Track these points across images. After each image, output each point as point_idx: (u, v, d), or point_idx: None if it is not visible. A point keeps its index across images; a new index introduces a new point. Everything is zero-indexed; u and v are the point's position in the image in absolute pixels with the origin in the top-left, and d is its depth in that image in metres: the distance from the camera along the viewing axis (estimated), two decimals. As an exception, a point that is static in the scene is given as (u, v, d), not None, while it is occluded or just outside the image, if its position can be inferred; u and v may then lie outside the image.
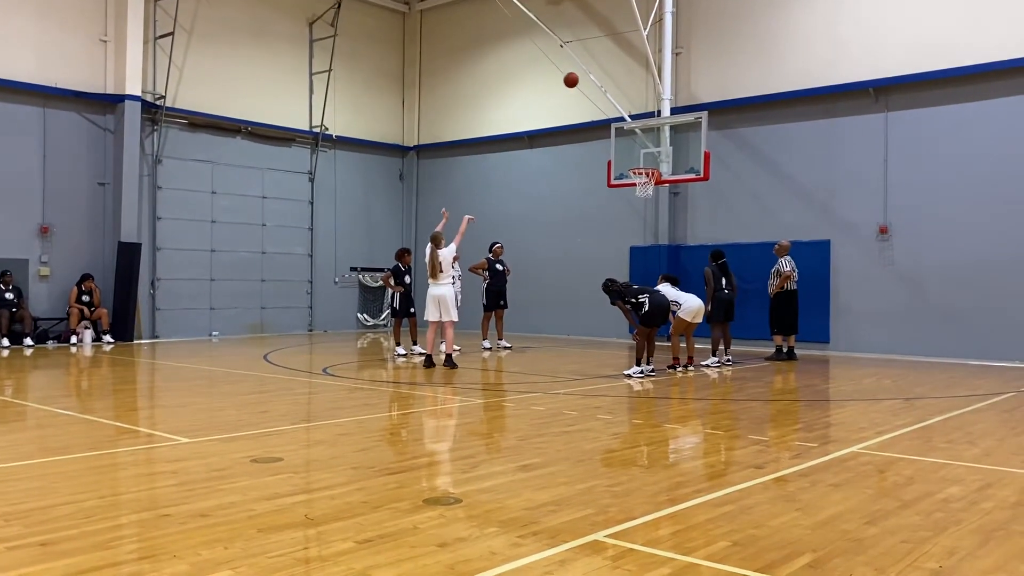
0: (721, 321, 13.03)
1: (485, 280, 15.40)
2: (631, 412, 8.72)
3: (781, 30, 16.20)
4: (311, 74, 20.62)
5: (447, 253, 12.13)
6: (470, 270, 15.46)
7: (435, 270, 12.03)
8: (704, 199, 17.28)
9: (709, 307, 12.74)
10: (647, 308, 11.25)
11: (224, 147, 19.04)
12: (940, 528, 4.35)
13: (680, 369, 12.11)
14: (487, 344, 15.46)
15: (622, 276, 18.14)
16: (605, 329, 18.21)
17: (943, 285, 14.38)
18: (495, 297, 15.37)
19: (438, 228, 12.68)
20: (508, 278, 15.63)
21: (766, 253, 16.04)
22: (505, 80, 20.67)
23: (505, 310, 15.63)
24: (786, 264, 13.77)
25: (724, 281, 13.09)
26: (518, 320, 18.13)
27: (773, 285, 13.82)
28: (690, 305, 12.06)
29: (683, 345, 12.44)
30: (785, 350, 13.93)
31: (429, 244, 12.30)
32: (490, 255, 15.50)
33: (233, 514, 4.46)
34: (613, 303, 11.64)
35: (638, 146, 15.94)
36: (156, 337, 17.75)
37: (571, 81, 13.93)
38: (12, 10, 15.98)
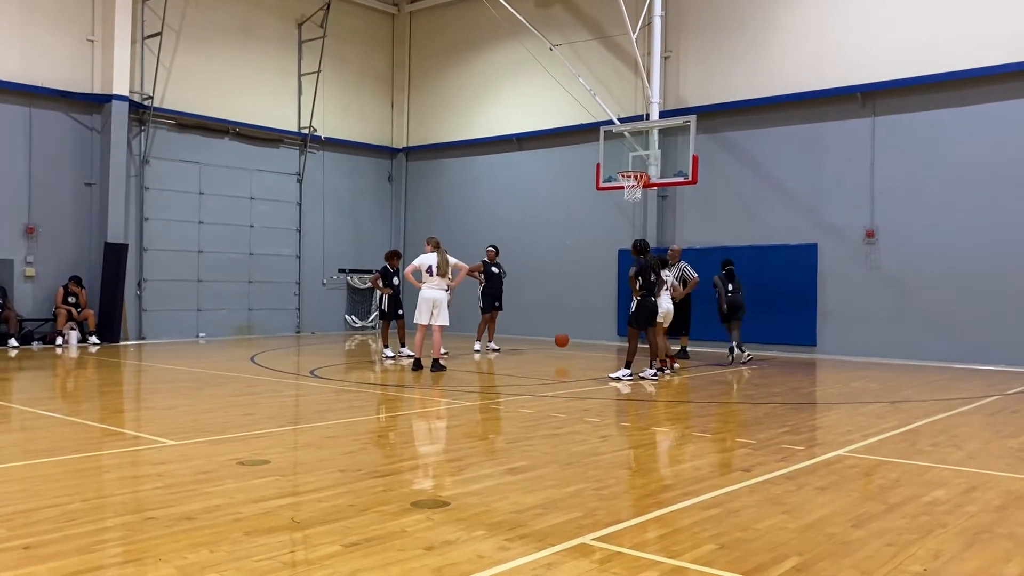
0: (735, 319, 13.70)
1: (481, 283, 15.53)
2: (619, 415, 8.74)
3: (769, 35, 16.28)
4: (300, 75, 20.58)
5: (452, 259, 12.16)
6: (466, 273, 15.47)
7: (444, 270, 11.99)
8: (692, 202, 17.34)
9: (725, 309, 13.63)
10: (633, 308, 11.32)
11: (212, 148, 18.96)
12: (925, 531, 4.37)
13: (668, 372, 12.13)
14: (478, 347, 15.50)
15: (610, 279, 18.23)
16: (594, 332, 18.25)
17: (929, 289, 14.48)
18: (491, 300, 15.49)
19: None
20: (504, 280, 15.84)
21: (753, 256, 16.17)
22: (494, 83, 20.68)
23: (499, 312, 15.73)
24: (692, 270, 14.20)
25: (730, 285, 13.71)
26: (507, 322, 18.12)
27: (681, 290, 13.87)
28: (661, 306, 12.14)
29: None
30: (684, 348, 14.79)
31: (428, 248, 12.26)
32: (484, 258, 15.63)
33: (219, 517, 4.44)
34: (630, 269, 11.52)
35: (627, 149, 15.98)
36: (143, 338, 17.65)
37: (561, 342, 15.33)
38: (-2, 9, 15.90)
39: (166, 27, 17.73)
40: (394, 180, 22.79)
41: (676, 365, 12.54)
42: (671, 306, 12.49)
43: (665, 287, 12.39)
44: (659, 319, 12.01)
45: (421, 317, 12.08)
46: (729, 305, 13.62)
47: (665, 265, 12.58)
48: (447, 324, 12.18)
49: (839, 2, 15.45)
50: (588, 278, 18.66)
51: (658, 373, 11.70)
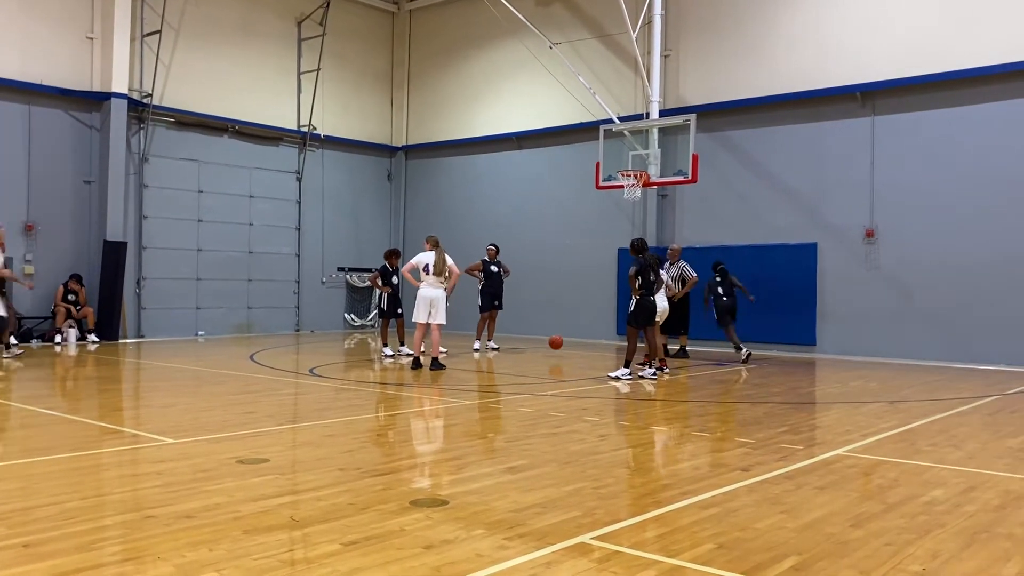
0: (728, 323, 13.96)
1: (480, 282, 15.56)
2: (618, 414, 8.74)
3: (769, 34, 16.28)
4: (299, 73, 20.56)
5: (449, 260, 12.13)
6: (466, 271, 15.44)
7: (440, 269, 11.96)
8: (692, 201, 17.34)
9: (715, 314, 14.13)
10: (632, 307, 11.33)
11: (211, 146, 18.96)
12: (924, 531, 4.37)
13: (664, 371, 12.08)
14: (477, 345, 15.50)
15: (610, 278, 18.23)
16: (593, 331, 18.25)
17: (929, 288, 14.48)
18: (490, 298, 15.52)
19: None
20: (506, 279, 15.88)
21: (753, 255, 16.18)
22: (494, 81, 20.67)
23: (499, 311, 15.76)
24: (691, 270, 14.37)
25: (720, 289, 13.92)
26: (506, 321, 18.13)
27: (679, 289, 14.19)
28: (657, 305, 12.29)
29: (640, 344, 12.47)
30: (684, 347, 14.87)
31: (427, 247, 12.23)
32: (485, 257, 15.65)
33: (218, 515, 4.44)
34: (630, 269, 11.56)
35: (626, 148, 15.98)
36: (141, 336, 17.65)
37: (556, 343, 15.30)
38: (-2, 6, 15.89)
39: (165, 25, 17.72)
40: (393, 179, 22.78)
41: (666, 369, 12.38)
42: (666, 304, 12.56)
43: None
44: (660, 316, 12.08)
45: (419, 316, 12.07)
46: (721, 309, 13.93)
47: (661, 264, 12.71)
48: (444, 323, 12.16)
49: (839, 1, 15.45)
50: (587, 277, 18.66)
51: (657, 372, 11.69)
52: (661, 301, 12.28)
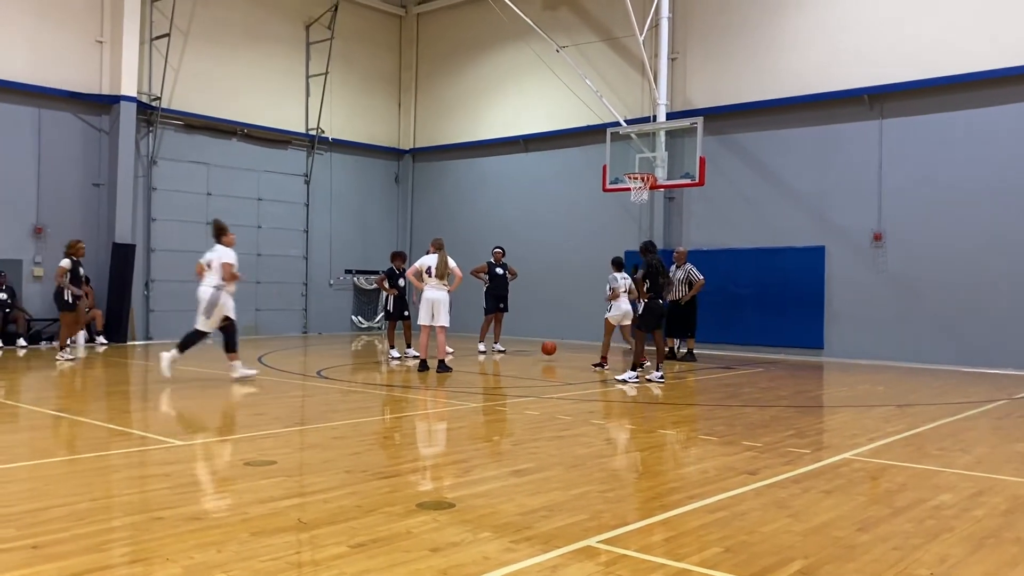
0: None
1: (485, 284, 15.58)
2: (624, 417, 8.73)
3: (777, 37, 16.26)
4: (307, 76, 20.63)
5: (452, 263, 12.15)
6: (471, 273, 15.45)
7: (442, 272, 11.99)
8: (699, 204, 17.32)
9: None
10: (640, 310, 11.36)
11: (220, 149, 19.02)
12: (932, 535, 4.36)
13: (605, 368, 12.42)
14: (482, 347, 15.51)
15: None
16: (599, 334, 18.20)
17: (937, 292, 14.43)
18: (495, 300, 15.54)
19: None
20: (511, 281, 15.88)
21: (760, 258, 16.16)
22: (501, 84, 20.70)
23: (504, 313, 15.78)
24: (698, 272, 14.47)
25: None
26: (512, 323, 18.14)
27: (686, 292, 14.36)
28: (619, 309, 12.60)
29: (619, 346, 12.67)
30: (691, 350, 14.79)
31: (431, 250, 12.27)
32: (491, 259, 15.67)
33: (226, 517, 4.45)
34: (637, 271, 11.72)
35: (633, 151, 15.98)
36: (150, 339, 17.71)
37: (548, 349, 15.15)
38: (7, 10, 15.96)
39: (174, 28, 17.80)
40: (401, 181, 22.82)
41: (607, 367, 12.73)
42: (629, 307, 12.67)
43: (623, 289, 12.60)
44: (623, 320, 12.51)
45: (422, 318, 12.12)
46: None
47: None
48: (447, 324, 12.17)
49: (846, 4, 15.43)
50: (594, 280, 18.59)
51: (640, 373, 11.61)
52: (624, 303, 12.50)
